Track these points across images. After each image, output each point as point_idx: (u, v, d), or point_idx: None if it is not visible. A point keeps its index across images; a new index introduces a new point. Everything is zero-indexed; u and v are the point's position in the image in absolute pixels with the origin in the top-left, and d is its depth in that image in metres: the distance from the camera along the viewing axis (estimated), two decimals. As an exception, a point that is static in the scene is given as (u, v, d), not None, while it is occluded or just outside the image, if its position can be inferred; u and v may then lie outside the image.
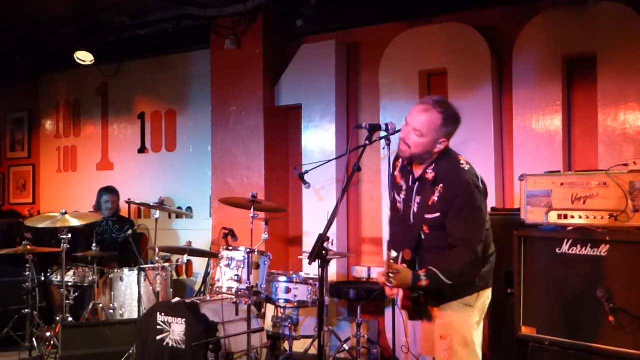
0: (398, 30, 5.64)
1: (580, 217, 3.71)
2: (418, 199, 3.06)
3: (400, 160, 3.24)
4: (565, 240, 3.70)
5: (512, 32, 5.12)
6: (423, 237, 3.03)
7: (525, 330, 3.86)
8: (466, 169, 3.04)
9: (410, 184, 3.14)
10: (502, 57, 5.26)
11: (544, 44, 4.94)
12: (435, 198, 2.97)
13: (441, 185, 2.97)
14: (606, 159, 4.57)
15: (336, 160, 5.57)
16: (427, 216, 3.00)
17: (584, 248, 3.63)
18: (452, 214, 2.93)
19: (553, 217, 3.81)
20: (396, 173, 3.26)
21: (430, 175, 3.03)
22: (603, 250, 3.55)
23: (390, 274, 2.75)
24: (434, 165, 3.04)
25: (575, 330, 3.62)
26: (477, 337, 3.05)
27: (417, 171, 3.10)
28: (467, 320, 3.02)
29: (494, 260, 3.18)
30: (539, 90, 4.96)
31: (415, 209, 3.07)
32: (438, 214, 2.96)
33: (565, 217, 3.77)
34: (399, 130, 3.11)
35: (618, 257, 3.49)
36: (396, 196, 3.24)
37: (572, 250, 3.68)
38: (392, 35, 5.65)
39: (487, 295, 3.12)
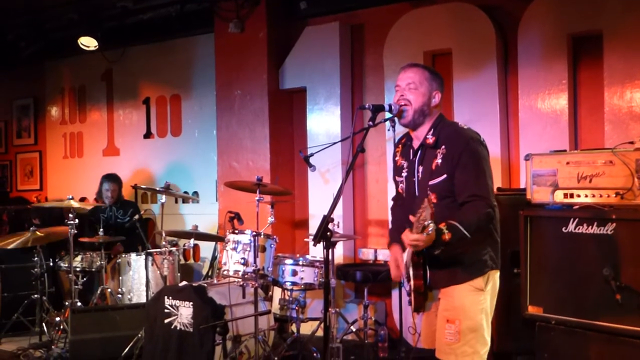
0: (402, 11, 5.61)
1: (587, 196, 3.68)
2: (421, 168, 3.04)
3: (401, 145, 3.24)
4: (572, 219, 3.69)
5: (517, 11, 5.09)
6: None
7: (531, 310, 3.86)
8: (465, 128, 3.05)
9: (411, 157, 3.12)
10: (507, 36, 5.23)
11: (549, 22, 4.90)
12: (439, 160, 2.95)
13: (443, 146, 2.95)
14: (612, 138, 4.54)
15: (341, 142, 5.55)
16: (432, 182, 2.96)
17: (590, 227, 3.62)
18: (459, 171, 2.89)
19: (559, 196, 3.79)
20: (397, 158, 3.25)
21: (430, 139, 3.01)
22: (609, 228, 3.53)
23: (426, 224, 2.63)
24: (432, 130, 3.03)
25: (582, 309, 3.61)
26: (487, 322, 3.00)
27: (417, 142, 3.10)
28: (477, 305, 2.96)
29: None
30: (545, 69, 4.92)
31: (419, 179, 3.04)
32: (444, 176, 2.93)
33: (572, 196, 3.74)
34: (402, 111, 3.07)
35: (624, 235, 3.48)
36: (397, 178, 3.22)
37: (579, 229, 3.66)
38: (396, 16, 5.62)
39: (497, 278, 3.07)
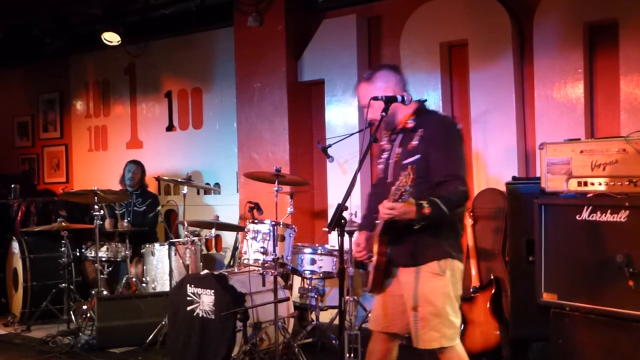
0: (418, 3, 5.64)
1: (600, 184, 3.70)
2: (399, 149, 3.17)
3: (389, 131, 3.36)
4: (585, 207, 3.70)
5: (533, 0, 5.09)
6: None
7: (546, 297, 3.88)
8: (444, 115, 3.27)
9: (392, 141, 3.25)
10: (522, 26, 5.24)
11: (565, 11, 4.91)
12: (415, 142, 3.07)
13: (421, 129, 3.10)
14: (628, 126, 4.55)
15: (359, 133, 5.63)
16: (406, 161, 3.07)
17: (603, 214, 3.63)
18: (435, 152, 3.03)
19: (573, 185, 3.82)
20: (383, 142, 3.38)
21: (410, 124, 3.16)
22: (622, 216, 3.55)
23: (403, 192, 2.75)
24: (414, 116, 3.17)
25: (596, 296, 3.63)
26: (451, 306, 3.09)
27: (400, 127, 3.23)
28: (438, 290, 3.06)
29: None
30: (561, 58, 4.94)
31: (395, 160, 3.16)
32: (418, 156, 3.05)
33: (585, 184, 3.77)
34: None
35: (637, 223, 3.48)
36: (379, 160, 3.36)
37: (592, 217, 3.68)
38: (412, 8, 5.66)
39: (458, 267, 3.15)
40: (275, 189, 4.89)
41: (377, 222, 3.12)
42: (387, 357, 3.30)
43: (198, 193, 7.44)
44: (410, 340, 3.19)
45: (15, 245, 6.42)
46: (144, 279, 6.00)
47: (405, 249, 3.09)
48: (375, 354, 3.31)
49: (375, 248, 3.08)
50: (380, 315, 3.27)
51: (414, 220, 2.89)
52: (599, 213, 3.66)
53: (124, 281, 6.04)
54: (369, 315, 4.89)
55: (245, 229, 4.69)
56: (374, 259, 3.09)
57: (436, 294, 3.06)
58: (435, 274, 3.06)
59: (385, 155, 3.29)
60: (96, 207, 5.54)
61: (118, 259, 6.15)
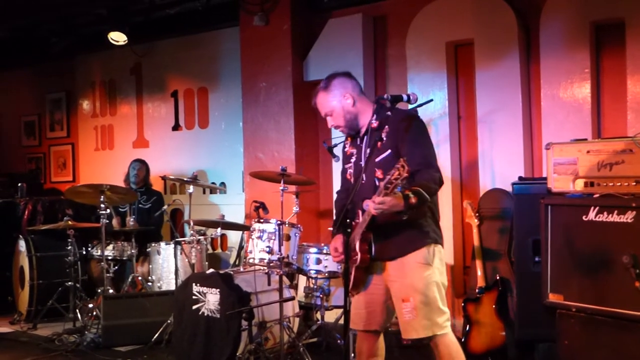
0: (424, 2, 5.63)
1: (607, 184, 3.70)
2: (367, 150, 3.21)
3: (350, 137, 3.44)
4: (592, 208, 3.69)
5: (539, -1, 5.09)
6: (377, 183, 3.09)
7: (552, 298, 3.87)
8: (404, 109, 3.25)
9: (358, 143, 3.30)
10: (529, 25, 5.22)
11: (571, 10, 4.89)
12: (384, 137, 3.11)
13: (386, 126, 3.13)
14: (635, 126, 4.54)
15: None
16: (378, 159, 3.13)
17: (610, 215, 3.62)
18: (406, 144, 3.08)
19: (579, 185, 3.81)
20: (346, 148, 3.43)
21: (375, 124, 3.20)
22: (629, 216, 3.53)
23: (396, 185, 2.79)
24: (375, 116, 3.20)
25: (602, 297, 3.62)
26: (439, 295, 3.16)
27: (363, 130, 3.28)
28: (427, 279, 3.13)
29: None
30: (567, 58, 4.92)
31: (366, 160, 3.21)
32: (389, 151, 3.11)
33: (592, 184, 3.76)
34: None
35: (644, 224, 3.49)
36: (346, 166, 3.41)
37: (599, 218, 3.67)
38: (418, 7, 5.65)
39: (442, 252, 3.24)
40: (281, 188, 4.89)
41: (355, 222, 3.17)
42: (376, 352, 3.38)
43: (204, 192, 7.45)
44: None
45: (21, 244, 6.46)
46: (149, 277, 6.01)
47: (391, 242, 3.14)
48: (364, 354, 3.37)
49: (358, 246, 3.11)
50: (360, 314, 3.31)
51: (402, 212, 2.92)
52: (605, 214, 3.64)
53: (129, 280, 6.06)
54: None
55: (251, 228, 4.69)
56: (357, 257, 3.12)
57: (425, 283, 3.13)
58: (424, 263, 3.13)
59: (354, 159, 3.33)
60: (102, 205, 5.55)
61: (124, 258, 6.16)
